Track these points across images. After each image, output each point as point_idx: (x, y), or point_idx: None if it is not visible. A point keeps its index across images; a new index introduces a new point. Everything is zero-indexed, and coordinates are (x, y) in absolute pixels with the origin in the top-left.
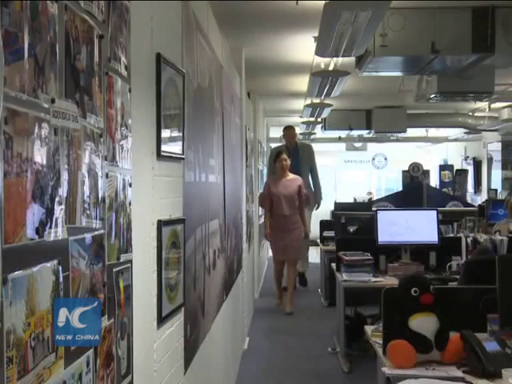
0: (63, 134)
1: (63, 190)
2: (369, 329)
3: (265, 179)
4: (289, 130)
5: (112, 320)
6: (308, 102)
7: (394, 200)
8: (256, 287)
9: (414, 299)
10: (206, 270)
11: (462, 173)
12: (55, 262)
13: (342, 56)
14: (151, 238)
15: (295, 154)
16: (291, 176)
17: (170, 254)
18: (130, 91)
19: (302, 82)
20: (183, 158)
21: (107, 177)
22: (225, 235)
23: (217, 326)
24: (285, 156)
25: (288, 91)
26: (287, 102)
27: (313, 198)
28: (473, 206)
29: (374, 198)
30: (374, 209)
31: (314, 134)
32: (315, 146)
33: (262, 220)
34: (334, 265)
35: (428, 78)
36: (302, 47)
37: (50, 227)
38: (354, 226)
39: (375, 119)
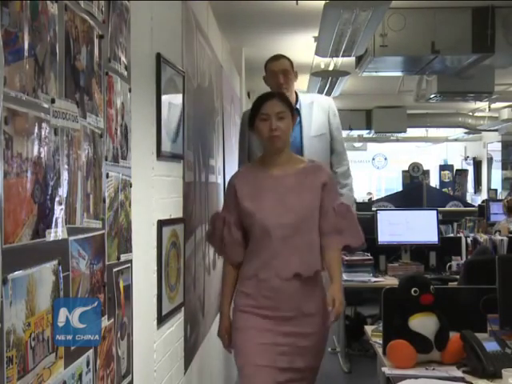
0: (63, 134)
1: (63, 190)
2: (369, 329)
3: None
4: (277, 60)
5: (112, 320)
6: None
7: (393, 200)
8: None
9: (414, 299)
10: (206, 270)
11: (462, 173)
12: (55, 262)
13: (342, 56)
14: (151, 238)
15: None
16: (297, 160)
17: (170, 253)
18: (130, 91)
19: (302, 82)
20: (183, 158)
21: (107, 177)
22: None
23: (217, 326)
24: (277, 104)
25: None
26: None
27: None
28: (473, 206)
29: (374, 198)
30: (373, 209)
31: None
32: None
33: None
34: None
35: (428, 77)
36: (301, 47)
37: (50, 227)
38: None
39: (375, 119)
